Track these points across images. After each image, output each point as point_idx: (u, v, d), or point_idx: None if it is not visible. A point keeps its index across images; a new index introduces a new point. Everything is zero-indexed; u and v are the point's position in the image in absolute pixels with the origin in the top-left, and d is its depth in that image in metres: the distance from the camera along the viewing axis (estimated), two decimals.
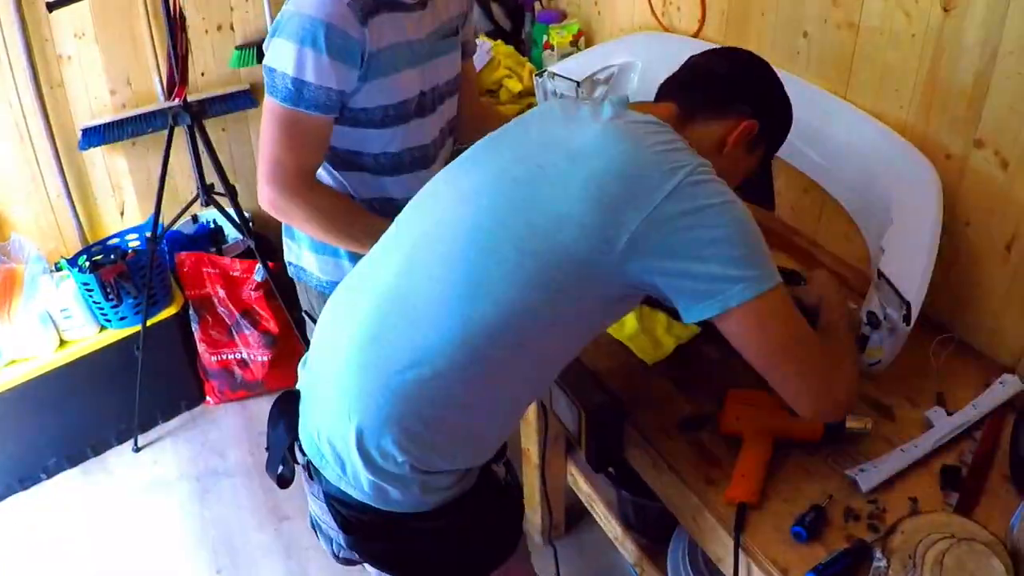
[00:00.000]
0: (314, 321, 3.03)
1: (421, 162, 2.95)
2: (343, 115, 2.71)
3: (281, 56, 2.52)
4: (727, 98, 2.32)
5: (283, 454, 2.35)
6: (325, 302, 2.40)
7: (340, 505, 2.21)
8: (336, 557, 2.43)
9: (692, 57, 2.47)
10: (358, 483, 2.14)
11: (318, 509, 2.33)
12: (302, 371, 2.39)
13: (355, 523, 2.21)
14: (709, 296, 1.96)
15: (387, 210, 2.86)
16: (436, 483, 2.15)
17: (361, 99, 2.69)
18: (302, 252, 3.11)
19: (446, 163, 2.40)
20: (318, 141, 2.69)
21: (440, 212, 2.19)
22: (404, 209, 2.33)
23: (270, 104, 2.59)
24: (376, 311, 2.12)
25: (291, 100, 2.55)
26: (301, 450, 2.28)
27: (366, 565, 2.36)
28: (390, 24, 2.62)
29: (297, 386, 2.39)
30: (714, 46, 3.39)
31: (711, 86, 2.34)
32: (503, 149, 2.25)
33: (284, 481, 2.38)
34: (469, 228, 2.09)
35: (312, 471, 2.26)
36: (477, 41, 4.42)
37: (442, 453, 2.12)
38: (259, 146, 2.68)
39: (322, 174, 2.91)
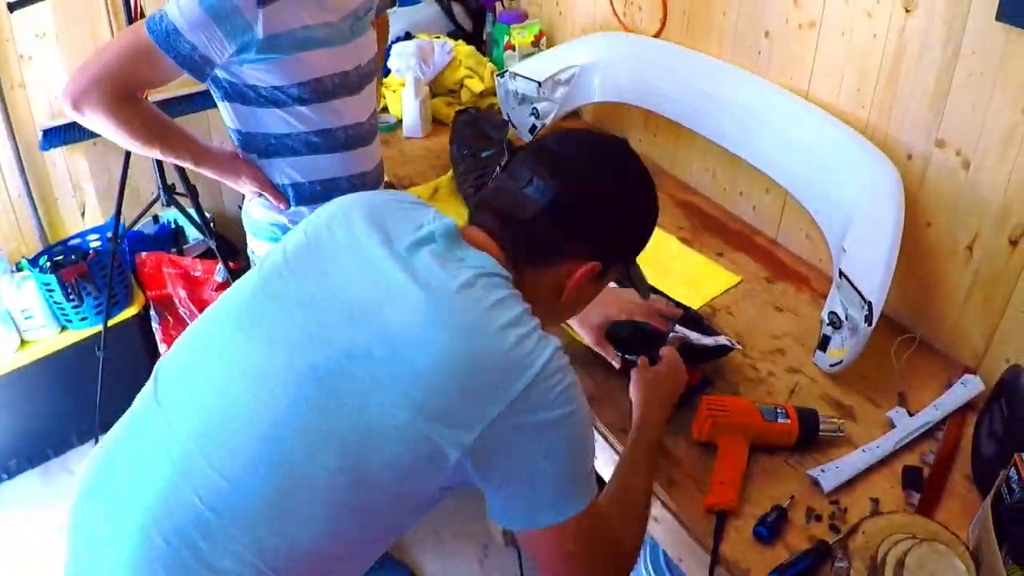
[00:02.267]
0: None
1: (357, 140, 3.01)
2: (262, 97, 2.78)
3: (172, 2, 2.54)
4: (558, 242, 1.95)
5: None
6: None
7: None
8: None
9: (515, 163, 2.00)
10: None
11: None
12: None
13: None
14: (519, 511, 1.80)
15: (330, 190, 2.98)
16: None
17: (271, 77, 2.74)
18: (258, 244, 3.15)
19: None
20: (156, 79, 2.68)
21: (222, 390, 1.81)
22: (172, 355, 1.99)
23: (137, 27, 2.58)
24: (149, 523, 1.72)
25: (157, 34, 2.54)
26: None
27: None
28: (296, 8, 2.65)
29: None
30: (672, 47, 3.42)
31: (532, 234, 1.93)
32: (296, 306, 1.85)
33: None
34: (260, 433, 1.73)
35: None
36: (439, 41, 4.44)
37: None
38: (98, 50, 2.65)
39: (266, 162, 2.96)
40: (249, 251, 3.19)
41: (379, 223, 1.92)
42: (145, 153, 2.84)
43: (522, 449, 1.72)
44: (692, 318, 2.80)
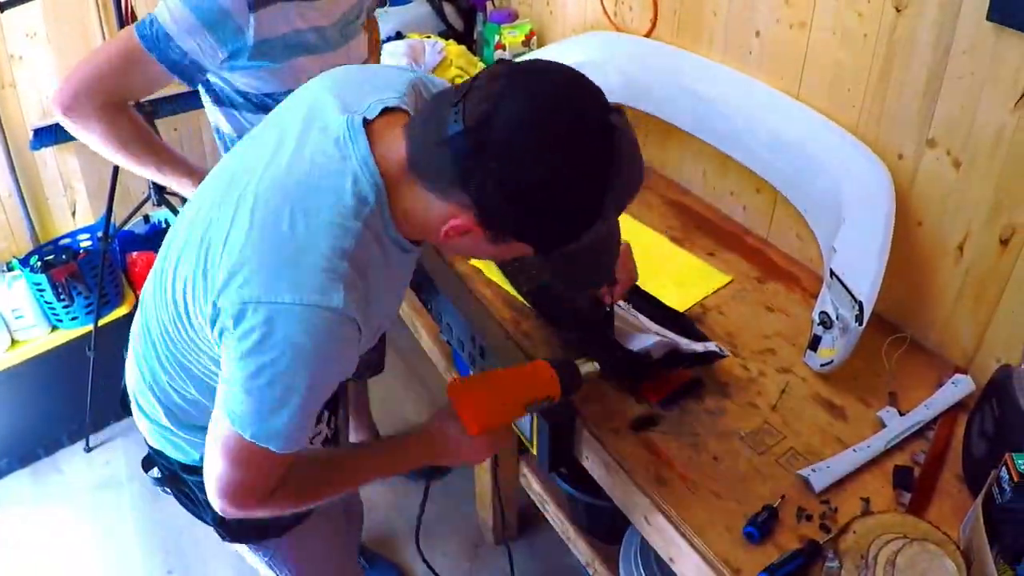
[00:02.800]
0: None
1: None
2: (253, 103, 2.80)
3: (163, 6, 2.54)
4: (446, 178, 1.71)
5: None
6: None
7: (145, 441, 2.41)
8: (162, 490, 2.53)
9: (477, 77, 1.72)
10: (144, 427, 2.34)
11: None
12: None
13: (152, 460, 2.45)
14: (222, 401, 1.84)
15: None
16: (199, 447, 2.20)
17: (262, 84, 2.76)
18: None
19: None
20: (147, 85, 2.69)
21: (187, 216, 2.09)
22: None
23: (127, 32, 2.59)
24: (149, 294, 2.16)
25: (148, 40, 2.55)
26: None
27: None
28: (288, 13, 2.65)
29: None
30: (663, 46, 3.41)
31: (436, 151, 1.69)
32: (235, 156, 2.06)
33: (126, 406, 2.48)
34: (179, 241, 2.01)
35: None
36: (430, 41, 4.43)
37: (197, 423, 2.18)
38: (88, 56, 2.65)
39: None
40: None
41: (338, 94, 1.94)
42: (131, 166, 2.83)
43: (235, 344, 1.76)
44: (682, 323, 2.81)
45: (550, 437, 2.63)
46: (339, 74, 2.06)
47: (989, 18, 2.34)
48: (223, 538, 2.44)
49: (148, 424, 2.27)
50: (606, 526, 3.51)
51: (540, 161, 1.61)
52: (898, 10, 2.63)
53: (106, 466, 4.80)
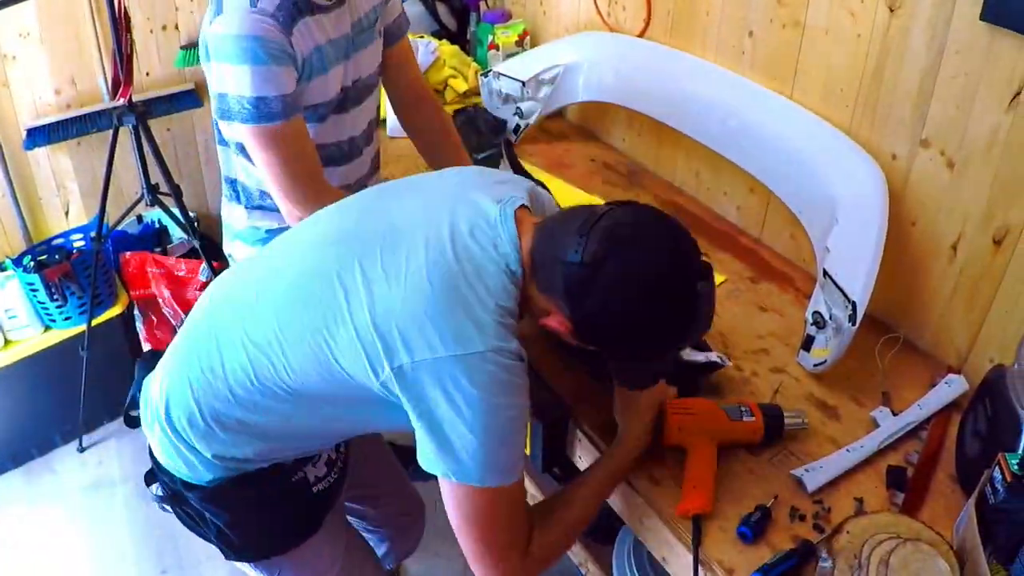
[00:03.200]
0: None
1: (349, 156, 2.98)
2: None
3: (230, 80, 2.52)
4: (559, 289, 1.98)
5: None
6: None
7: (150, 455, 2.39)
8: (159, 506, 2.52)
9: (600, 209, 2.02)
10: (156, 439, 2.29)
11: None
12: None
13: (155, 476, 2.42)
14: (432, 453, 1.95)
15: None
16: (215, 470, 2.26)
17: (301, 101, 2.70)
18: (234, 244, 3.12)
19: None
20: (304, 140, 2.68)
21: (291, 260, 2.20)
22: (293, 229, 2.35)
23: (244, 130, 2.58)
24: (214, 314, 2.25)
25: (259, 119, 2.54)
26: None
27: None
28: (312, 28, 2.62)
29: None
30: (656, 46, 3.42)
31: (556, 265, 1.98)
32: (349, 222, 2.21)
33: (130, 422, 2.51)
34: (289, 295, 2.10)
35: None
36: (423, 41, 4.42)
37: (230, 451, 2.22)
38: (260, 171, 2.68)
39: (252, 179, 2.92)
40: (227, 253, 3.15)
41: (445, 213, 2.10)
42: None
43: (446, 396, 1.88)
44: None
45: (544, 437, 2.63)
46: (471, 168, 2.34)
47: (983, 18, 2.35)
48: (227, 556, 2.48)
49: (163, 437, 2.25)
50: (599, 526, 3.50)
51: (631, 311, 1.94)
52: (891, 10, 2.64)
53: (99, 466, 4.77)
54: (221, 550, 2.46)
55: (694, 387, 2.68)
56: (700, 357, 2.69)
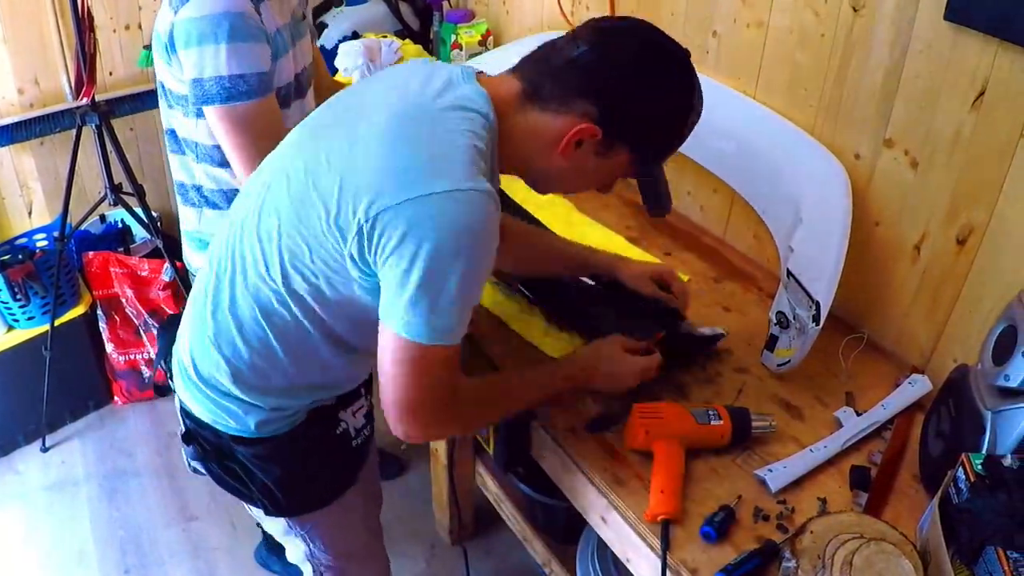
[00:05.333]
0: None
1: None
2: None
3: (203, 63, 2.52)
4: (572, 92, 2.04)
5: (165, 359, 2.52)
6: None
7: (185, 416, 2.41)
8: (189, 467, 2.52)
9: (575, 28, 2.14)
10: (192, 398, 2.32)
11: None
12: None
13: (193, 435, 2.40)
14: (384, 303, 1.97)
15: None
16: (248, 416, 2.28)
17: None
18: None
19: None
20: (275, 120, 2.69)
21: (265, 177, 2.21)
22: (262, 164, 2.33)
23: (218, 111, 2.58)
24: (214, 254, 2.28)
25: (235, 97, 2.55)
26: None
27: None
28: (271, 10, 2.64)
29: None
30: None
31: (561, 72, 2.06)
32: (315, 118, 2.24)
33: (160, 389, 2.54)
34: (271, 197, 2.12)
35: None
36: (386, 41, 4.43)
37: (244, 391, 2.25)
38: (229, 156, 2.68)
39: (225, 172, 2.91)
40: (195, 269, 3.14)
41: (399, 80, 2.15)
42: None
43: (400, 245, 1.86)
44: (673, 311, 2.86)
45: (506, 436, 2.63)
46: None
47: (947, 18, 2.36)
48: (267, 512, 2.50)
49: (197, 392, 2.29)
50: (563, 526, 3.51)
51: (647, 72, 2.06)
52: (855, 10, 2.64)
53: (62, 465, 4.76)
54: (263, 506, 2.47)
55: (702, 358, 2.77)
56: (706, 331, 2.79)
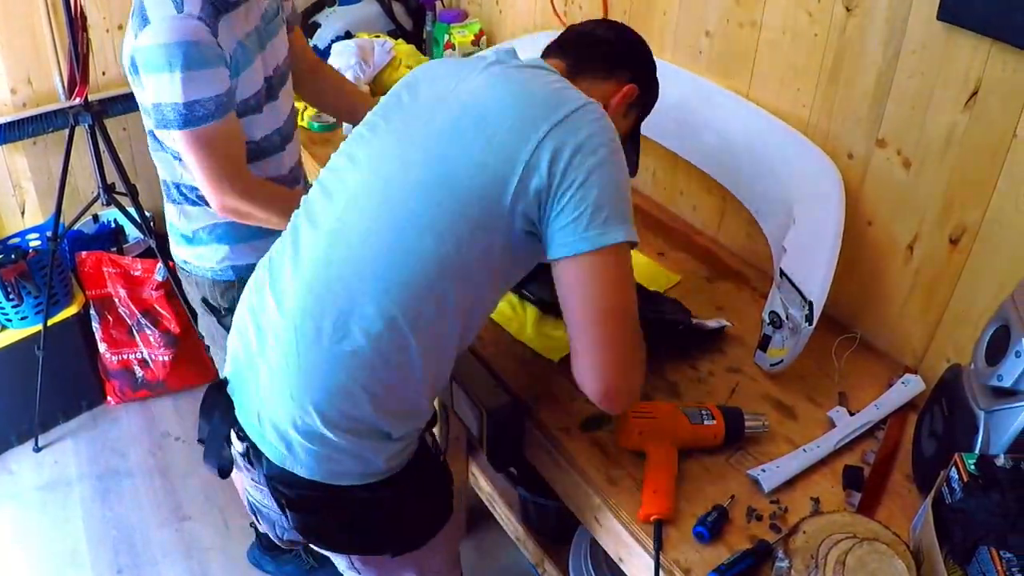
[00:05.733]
0: (214, 311, 3.08)
1: (284, 140, 3.01)
2: None
3: (160, 90, 2.53)
4: (612, 62, 2.42)
5: (221, 444, 2.35)
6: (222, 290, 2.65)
7: (283, 486, 2.23)
8: (280, 540, 2.49)
9: (574, 25, 2.57)
10: (304, 460, 2.17)
11: (259, 495, 2.39)
12: (229, 357, 2.40)
13: (298, 501, 2.25)
14: (574, 232, 2.01)
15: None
16: (380, 454, 2.21)
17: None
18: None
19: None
20: (234, 138, 2.70)
21: (350, 190, 2.20)
22: (311, 190, 2.33)
23: (179, 136, 2.59)
24: (304, 288, 2.14)
25: (192, 122, 2.55)
26: (239, 436, 2.30)
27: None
28: (231, 24, 2.64)
29: (224, 373, 2.42)
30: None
31: (597, 48, 2.44)
32: (398, 118, 2.27)
33: (224, 472, 2.39)
34: (380, 201, 2.12)
35: (253, 455, 2.27)
36: (379, 40, 4.42)
37: (386, 420, 2.16)
38: (192, 172, 2.68)
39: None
40: (182, 261, 3.14)
41: (450, 68, 2.34)
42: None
43: (570, 164, 2.00)
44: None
45: (500, 436, 2.62)
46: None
47: (940, 17, 2.36)
48: (396, 553, 2.44)
49: (311, 451, 2.16)
50: (555, 526, 3.50)
51: (646, 48, 2.57)
52: (848, 9, 2.64)
53: (55, 465, 4.74)
54: (391, 549, 2.43)
55: (710, 348, 2.82)
56: (713, 324, 2.84)
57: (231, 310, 3.02)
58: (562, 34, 2.50)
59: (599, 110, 2.10)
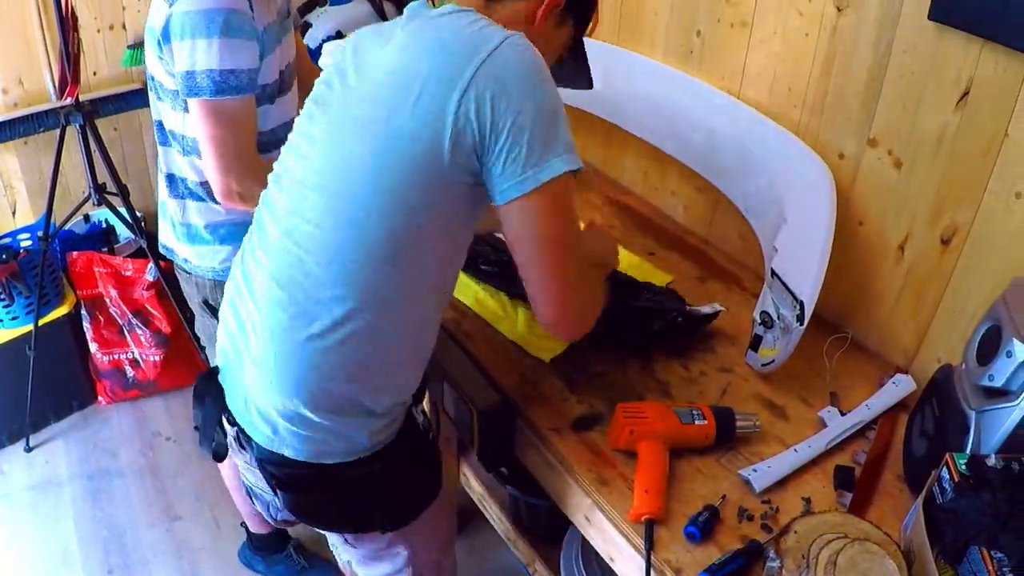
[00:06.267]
0: (214, 313, 3.07)
1: (277, 142, 2.93)
2: None
3: (196, 55, 2.53)
4: None
5: (215, 429, 2.40)
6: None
7: (273, 467, 2.28)
8: (274, 520, 2.55)
9: None
10: (290, 442, 2.21)
11: (253, 477, 2.43)
12: (217, 348, 2.43)
13: (288, 481, 2.29)
14: (512, 176, 2.00)
15: None
16: (363, 430, 2.24)
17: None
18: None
19: None
20: (252, 120, 2.73)
21: (297, 180, 2.21)
22: (268, 182, 2.34)
23: (204, 104, 2.60)
24: (269, 279, 2.18)
25: (224, 91, 2.57)
26: (229, 421, 2.35)
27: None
28: (261, 8, 2.65)
29: (215, 362, 2.45)
30: (603, 45, 3.42)
31: None
32: (330, 101, 2.25)
33: (219, 456, 2.44)
34: (326, 187, 2.12)
35: (243, 439, 2.32)
36: None
37: (367, 396, 2.20)
38: (204, 146, 2.68)
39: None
40: (183, 259, 3.14)
41: (373, 36, 2.28)
42: None
43: (496, 111, 1.96)
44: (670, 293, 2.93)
45: (491, 436, 2.62)
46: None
47: (931, 17, 2.36)
48: (386, 529, 2.48)
49: (298, 432, 2.21)
50: (547, 526, 3.50)
51: None
52: (839, 9, 2.64)
53: (46, 465, 4.75)
54: (379, 525, 2.45)
55: (704, 343, 2.83)
56: (707, 309, 2.85)
57: None
58: None
59: (519, 41, 2.05)
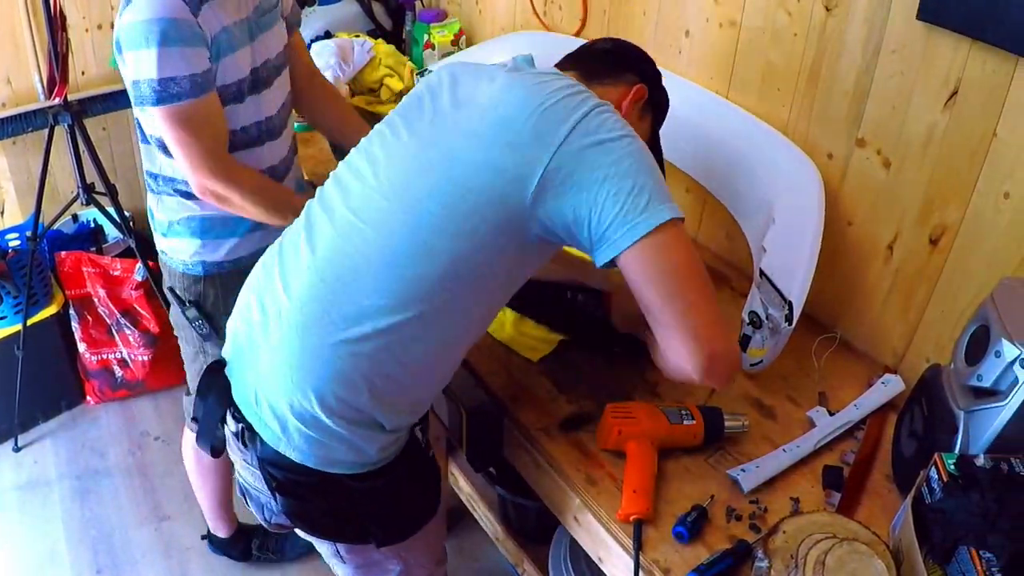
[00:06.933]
0: (179, 302, 3.12)
1: (268, 134, 2.99)
2: None
3: (138, 66, 2.54)
4: (619, 68, 2.46)
5: (216, 424, 2.38)
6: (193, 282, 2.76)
7: (275, 468, 2.25)
8: (267, 523, 2.51)
9: (580, 47, 2.59)
10: (298, 444, 2.19)
11: (250, 477, 2.40)
12: (228, 338, 2.41)
13: (289, 485, 2.26)
14: (623, 225, 1.98)
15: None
16: (375, 443, 2.22)
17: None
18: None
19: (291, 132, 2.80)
20: (214, 120, 2.71)
21: (368, 186, 2.21)
22: (327, 181, 2.36)
23: (156, 112, 2.61)
24: (315, 273, 2.16)
25: (167, 99, 2.56)
26: (234, 416, 2.31)
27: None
28: (218, 9, 2.65)
29: (223, 353, 2.43)
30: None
31: (603, 58, 2.50)
32: (418, 119, 2.26)
33: (216, 451, 2.43)
34: (397, 199, 2.13)
35: (247, 437, 2.28)
36: (359, 40, 4.41)
37: (383, 411, 2.18)
38: (172, 148, 2.69)
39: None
40: (160, 251, 3.14)
41: (470, 73, 2.33)
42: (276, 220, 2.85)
43: (594, 162, 2.00)
44: None
45: (480, 436, 2.62)
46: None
47: (920, 17, 2.36)
48: (381, 543, 2.43)
49: (306, 436, 2.19)
50: (535, 526, 3.50)
51: (645, 53, 2.62)
52: (828, 9, 2.64)
53: (35, 465, 4.73)
54: (376, 539, 2.41)
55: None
56: None
57: (194, 304, 3.07)
58: (567, 54, 2.54)
59: (615, 109, 2.12)
